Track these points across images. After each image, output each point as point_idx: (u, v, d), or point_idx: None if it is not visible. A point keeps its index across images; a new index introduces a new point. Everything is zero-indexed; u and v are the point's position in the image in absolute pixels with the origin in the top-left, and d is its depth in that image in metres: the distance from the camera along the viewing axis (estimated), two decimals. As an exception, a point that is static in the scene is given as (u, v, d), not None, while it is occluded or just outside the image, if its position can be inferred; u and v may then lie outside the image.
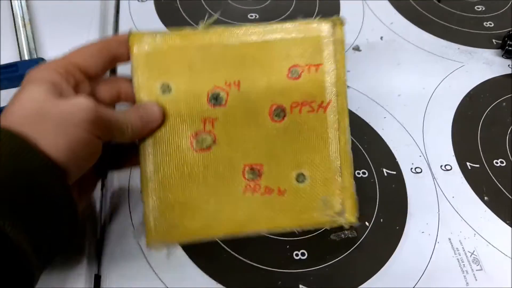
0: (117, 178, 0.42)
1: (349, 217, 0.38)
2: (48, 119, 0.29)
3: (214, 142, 0.36)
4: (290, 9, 0.57)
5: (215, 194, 0.37)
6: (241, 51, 0.37)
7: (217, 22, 0.38)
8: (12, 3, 0.52)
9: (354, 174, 0.42)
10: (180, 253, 0.38)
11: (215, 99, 0.36)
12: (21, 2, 0.52)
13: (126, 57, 0.36)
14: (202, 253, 0.38)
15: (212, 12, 0.55)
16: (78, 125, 0.30)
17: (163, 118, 0.36)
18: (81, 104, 0.30)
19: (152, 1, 0.57)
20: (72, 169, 0.30)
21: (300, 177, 0.37)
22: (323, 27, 0.37)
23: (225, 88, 0.36)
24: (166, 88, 0.36)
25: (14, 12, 0.51)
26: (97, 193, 0.41)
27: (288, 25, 0.37)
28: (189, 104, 0.36)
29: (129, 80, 0.36)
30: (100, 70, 0.35)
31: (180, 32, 0.36)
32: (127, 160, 0.38)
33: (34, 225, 0.28)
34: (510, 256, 0.39)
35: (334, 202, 0.38)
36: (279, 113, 0.37)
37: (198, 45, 0.36)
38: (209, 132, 0.36)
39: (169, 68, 0.36)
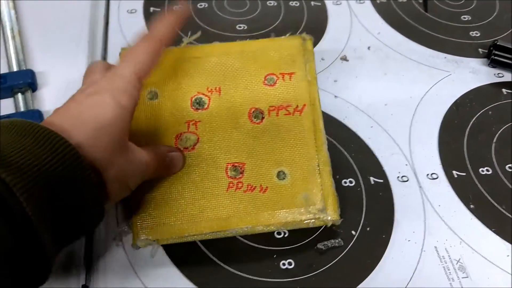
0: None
1: (331, 214, 0.39)
2: (115, 165, 0.31)
3: (197, 142, 0.39)
4: (278, 21, 0.58)
5: (199, 192, 0.38)
6: (222, 61, 0.41)
7: (206, 33, 0.39)
8: (1, 14, 0.52)
9: (341, 183, 0.43)
10: (168, 263, 0.38)
11: (198, 103, 0.40)
12: (10, 13, 0.52)
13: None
14: (189, 262, 0.38)
15: (200, 23, 0.55)
16: (133, 181, 0.34)
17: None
18: (144, 161, 0.34)
19: (142, 13, 0.57)
20: (110, 203, 0.33)
21: (281, 175, 0.39)
22: (294, 42, 0.42)
23: (207, 94, 0.40)
24: (153, 95, 0.40)
25: (3, 23, 0.51)
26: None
27: (265, 40, 0.42)
28: (173, 109, 0.40)
29: None
30: None
31: (167, 49, 0.39)
32: None
33: (65, 233, 0.30)
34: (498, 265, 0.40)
35: (315, 199, 0.39)
36: (258, 114, 0.40)
37: (183, 57, 0.41)
38: (193, 133, 0.39)
39: (156, 78, 0.39)
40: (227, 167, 0.39)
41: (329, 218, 0.39)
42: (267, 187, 0.39)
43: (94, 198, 0.30)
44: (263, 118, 0.40)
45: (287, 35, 0.43)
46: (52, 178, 0.27)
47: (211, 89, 0.40)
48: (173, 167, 0.38)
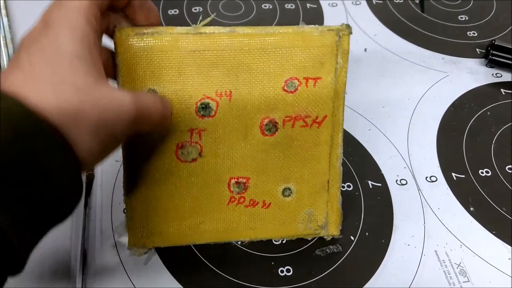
0: (100, 197, 0.41)
1: (332, 229, 0.38)
2: (86, 117, 0.25)
3: (200, 155, 0.35)
4: (274, 23, 0.58)
5: (199, 204, 0.36)
6: (236, 58, 0.33)
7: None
8: (-6, 22, 0.52)
9: (339, 188, 0.42)
10: (163, 270, 0.38)
11: (204, 109, 0.34)
12: (2, 21, 0.52)
13: None
14: (184, 269, 0.38)
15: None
16: (116, 131, 0.27)
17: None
18: (123, 105, 0.27)
19: (136, 17, 0.57)
20: (90, 167, 0.29)
21: (286, 191, 0.37)
22: (327, 37, 0.34)
23: (215, 98, 0.34)
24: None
25: (-4, 31, 0.51)
26: (80, 210, 0.40)
27: (290, 31, 0.34)
28: (176, 114, 0.34)
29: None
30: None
31: (172, 32, 0.33)
32: None
33: (34, 221, 0.25)
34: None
35: (318, 216, 0.38)
36: (271, 128, 0.35)
37: (190, 48, 0.33)
38: (196, 143, 0.35)
39: (157, 72, 0.33)
40: (230, 181, 0.36)
41: (329, 234, 0.38)
42: (270, 203, 0.37)
43: (61, 160, 0.25)
44: (276, 130, 0.35)
45: (323, 25, 0.34)
46: (4, 145, 0.23)
47: (221, 93, 0.34)
48: (158, 114, 0.31)
